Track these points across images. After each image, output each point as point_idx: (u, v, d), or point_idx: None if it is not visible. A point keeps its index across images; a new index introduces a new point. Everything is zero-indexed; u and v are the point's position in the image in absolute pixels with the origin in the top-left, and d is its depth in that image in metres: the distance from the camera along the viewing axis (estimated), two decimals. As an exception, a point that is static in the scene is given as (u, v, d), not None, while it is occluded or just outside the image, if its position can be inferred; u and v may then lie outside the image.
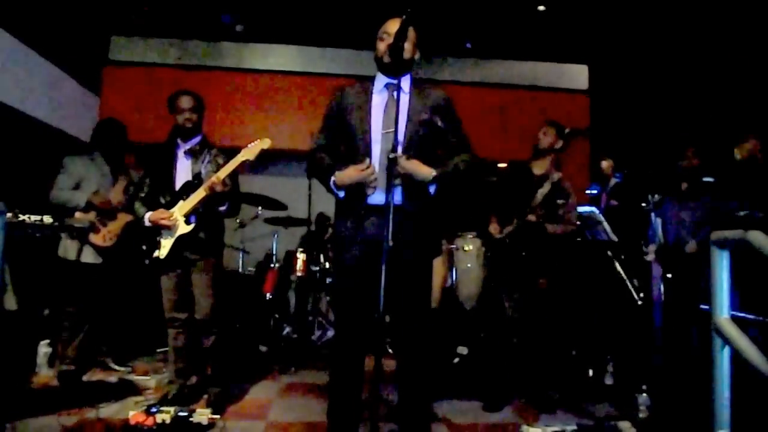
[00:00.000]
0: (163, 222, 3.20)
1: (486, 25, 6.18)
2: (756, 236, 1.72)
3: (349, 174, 2.41)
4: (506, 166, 3.99)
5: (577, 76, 7.25)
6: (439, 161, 2.48)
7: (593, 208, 4.12)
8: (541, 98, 7.06)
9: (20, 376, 3.69)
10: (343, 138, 2.55)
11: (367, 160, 2.39)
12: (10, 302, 3.48)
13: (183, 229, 3.22)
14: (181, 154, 3.38)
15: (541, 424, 3.21)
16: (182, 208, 3.23)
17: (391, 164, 2.18)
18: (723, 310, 1.86)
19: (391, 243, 2.05)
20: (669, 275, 3.57)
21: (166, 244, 3.24)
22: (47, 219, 2.78)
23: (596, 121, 6.83)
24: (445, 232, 4.75)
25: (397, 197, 2.39)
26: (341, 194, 2.48)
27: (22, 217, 2.58)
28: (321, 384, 3.97)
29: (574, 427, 3.09)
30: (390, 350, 4.74)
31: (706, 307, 1.97)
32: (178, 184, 3.32)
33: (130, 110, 5.85)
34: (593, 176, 4.87)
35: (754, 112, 4.61)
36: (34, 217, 2.66)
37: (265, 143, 3.20)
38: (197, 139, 3.39)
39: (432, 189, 2.45)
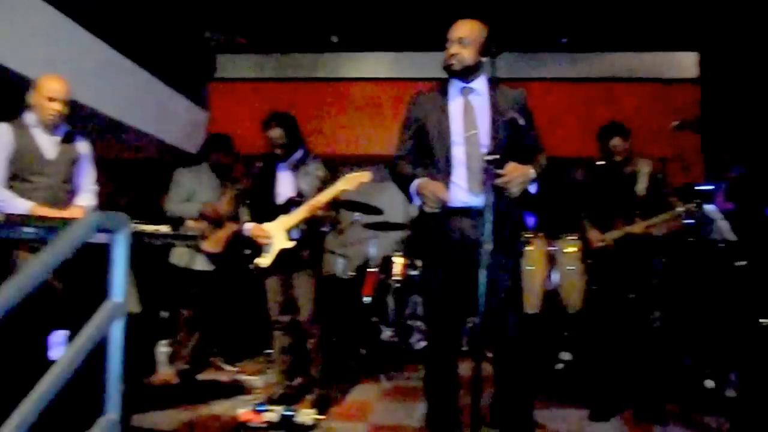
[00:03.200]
0: (259, 240, 3.36)
1: (582, 17, 5.88)
2: None
3: (430, 188, 2.40)
4: (601, 163, 3.74)
5: (685, 64, 6.75)
6: (521, 160, 2.44)
7: (709, 205, 3.81)
8: (642, 90, 6.62)
9: (142, 373, 3.99)
10: (422, 143, 2.57)
11: (446, 193, 2.39)
12: (134, 305, 3.78)
13: (285, 243, 3.35)
14: (283, 166, 3.52)
15: (653, 436, 3.03)
16: (285, 223, 3.37)
17: (488, 166, 2.18)
18: None
19: (491, 246, 2.04)
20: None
21: (268, 255, 3.39)
22: (164, 228, 2.94)
23: (707, 113, 6.30)
24: (544, 232, 4.62)
25: (484, 199, 2.36)
26: (418, 202, 2.48)
27: (140, 228, 2.76)
28: (420, 388, 3.97)
29: (689, 441, 2.90)
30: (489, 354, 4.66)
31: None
32: (280, 196, 3.46)
33: (237, 123, 6.14)
34: (707, 172, 4.50)
35: None
36: (151, 227, 2.83)
37: (365, 176, 3.29)
38: (299, 153, 3.51)
39: (533, 188, 2.42)
